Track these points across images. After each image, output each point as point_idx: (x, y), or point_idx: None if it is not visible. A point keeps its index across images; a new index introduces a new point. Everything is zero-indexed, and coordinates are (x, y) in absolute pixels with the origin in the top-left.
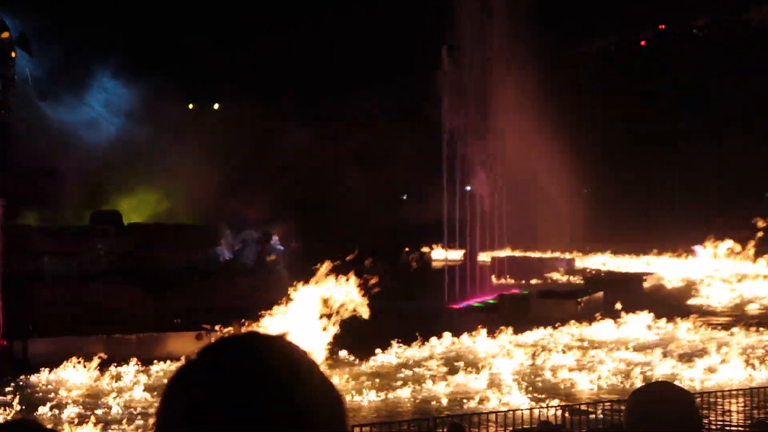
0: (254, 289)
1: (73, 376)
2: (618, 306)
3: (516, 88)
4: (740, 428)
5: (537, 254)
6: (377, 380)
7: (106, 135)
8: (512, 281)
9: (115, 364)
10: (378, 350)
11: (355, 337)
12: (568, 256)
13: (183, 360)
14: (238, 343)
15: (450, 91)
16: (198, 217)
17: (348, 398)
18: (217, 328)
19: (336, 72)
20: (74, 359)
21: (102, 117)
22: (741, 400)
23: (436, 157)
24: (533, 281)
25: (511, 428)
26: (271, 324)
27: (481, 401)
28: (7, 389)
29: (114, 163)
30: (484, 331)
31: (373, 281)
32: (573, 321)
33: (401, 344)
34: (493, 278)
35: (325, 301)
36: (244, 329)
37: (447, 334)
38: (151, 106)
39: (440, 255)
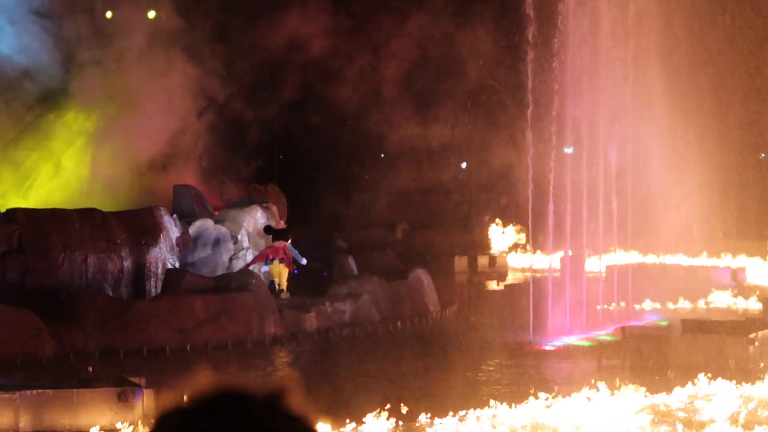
0: (212, 317)
1: None
2: None
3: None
4: None
5: (681, 260)
6: None
7: None
8: (642, 305)
9: None
10: (429, 418)
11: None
12: (731, 263)
13: None
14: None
15: None
16: (123, 197)
17: None
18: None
19: None
20: None
21: None
22: None
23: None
24: (675, 305)
25: None
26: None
27: None
28: None
29: None
30: (597, 390)
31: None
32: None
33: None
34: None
35: None
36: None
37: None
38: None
39: (520, 260)
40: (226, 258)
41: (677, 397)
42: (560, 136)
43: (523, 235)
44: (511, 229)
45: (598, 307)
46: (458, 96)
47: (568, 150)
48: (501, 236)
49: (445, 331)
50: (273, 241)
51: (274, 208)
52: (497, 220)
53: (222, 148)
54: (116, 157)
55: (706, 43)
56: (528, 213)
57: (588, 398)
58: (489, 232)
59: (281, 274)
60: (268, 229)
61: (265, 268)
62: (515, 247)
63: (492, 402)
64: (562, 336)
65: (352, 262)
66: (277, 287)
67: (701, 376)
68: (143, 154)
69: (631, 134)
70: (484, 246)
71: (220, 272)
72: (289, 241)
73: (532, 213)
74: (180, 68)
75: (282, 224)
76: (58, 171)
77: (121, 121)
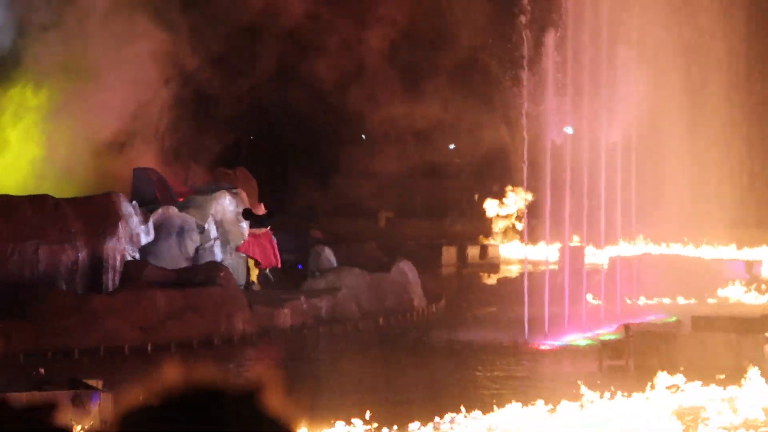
0: (175, 313)
1: None
2: None
3: None
4: None
5: (690, 251)
6: None
7: None
8: (649, 300)
9: None
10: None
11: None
12: (746, 255)
13: None
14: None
15: None
16: (79, 182)
17: None
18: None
19: None
20: None
21: None
22: None
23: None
24: (685, 300)
25: None
26: None
27: None
28: None
29: None
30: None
31: None
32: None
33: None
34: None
35: None
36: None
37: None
38: None
39: (514, 251)
40: (191, 249)
41: (687, 400)
42: (558, 115)
43: (530, 196)
44: (513, 197)
45: (599, 302)
46: (448, 70)
47: (568, 130)
48: (500, 208)
49: (431, 328)
50: (253, 226)
51: (244, 194)
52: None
53: (187, 127)
54: (71, 135)
55: (725, 14)
56: (523, 200)
57: (582, 405)
58: (485, 209)
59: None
60: (248, 214)
61: None
62: (518, 218)
63: (478, 407)
64: (560, 334)
65: (329, 253)
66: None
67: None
68: (101, 133)
69: (638, 111)
70: (475, 235)
71: (184, 264)
72: (269, 228)
73: (527, 200)
74: (145, 36)
75: (262, 209)
76: (4, 151)
77: (78, 94)
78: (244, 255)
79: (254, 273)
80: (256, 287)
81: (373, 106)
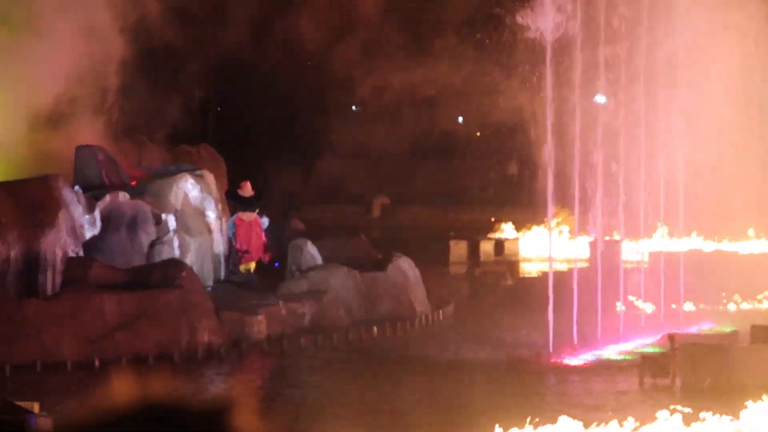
0: (127, 322)
1: None
2: None
3: None
4: None
5: (749, 247)
6: None
7: None
8: (698, 306)
9: None
10: None
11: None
12: None
13: None
14: None
15: None
16: (11, 162)
17: None
18: None
19: None
20: None
21: None
22: None
23: None
24: (740, 305)
25: None
26: None
27: None
28: None
29: None
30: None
31: None
32: None
33: None
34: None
35: None
36: None
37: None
38: None
39: (534, 246)
40: (145, 243)
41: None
42: (589, 81)
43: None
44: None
45: (638, 306)
46: (454, 28)
47: (600, 99)
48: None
49: (436, 339)
50: (240, 210)
51: (210, 177)
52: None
53: (142, 97)
54: (2, 106)
55: None
56: (546, 184)
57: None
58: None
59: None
60: (232, 195)
61: None
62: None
63: None
64: (592, 347)
65: (312, 248)
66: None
67: None
68: (38, 104)
69: (687, 78)
70: (488, 227)
71: (137, 262)
72: (261, 217)
73: (551, 184)
74: None
75: (249, 189)
76: None
77: (9, 56)
78: (216, 247)
79: (252, 264)
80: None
81: (365, 70)
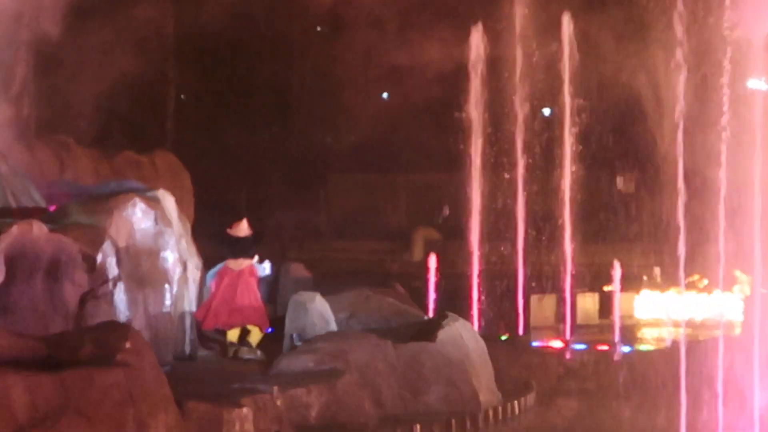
0: (46, 417)
1: None
2: None
3: None
4: None
5: None
6: None
7: None
8: None
9: None
10: None
11: None
12: None
13: None
14: None
15: None
16: None
17: None
18: None
19: None
20: None
21: None
22: None
23: None
24: None
25: None
26: None
27: None
28: None
29: None
30: None
31: None
32: None
33: None
34: None
35: None
36: None
37: None
38: None
39: (657, 304)
40: (72, 298)
41: None
42: None
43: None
44: None
45: None
46: None
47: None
48: None
49: None
50: (234, 255)
51: (169, 200)
52: None
53: (66, 83)
54: None
55: None
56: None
57: None
58: None
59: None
60: (225, 238)
61: None
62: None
63: None
64: None
65: (322, 306)
66: (233, 346)
67: None
68: None
69: None
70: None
71: (60, 327)
72: (256, 259)
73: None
74: None
75: (245, 228)
76: None
77: None
78: (178, 305)
79: (255, 332)
80: (253, 355)
81: (401, 41)
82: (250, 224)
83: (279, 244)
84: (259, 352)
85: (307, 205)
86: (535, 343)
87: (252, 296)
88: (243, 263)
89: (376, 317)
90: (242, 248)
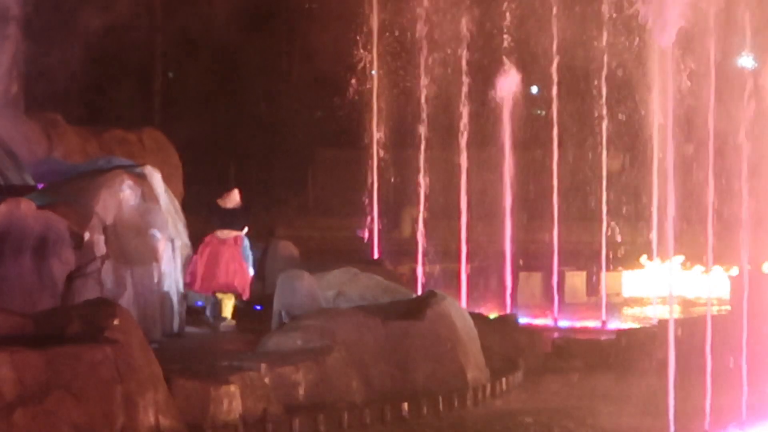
0: (33, 395)
1: None
2: None
3: None
4: None
5: None
6: None
7: None
8: None
9: None
10: None
11: None
12: None
13: None
14: None
15: None
16: None
17: None
18: None
19: None
20: None
21: None
22: None
23: None
24: None
25: None
26: None
27: None
28: None
29: None
30: None
31: None
32: None
33: None
34: None
35: None
36: None
37: None
38: None
39: (645, 281)
40: (59, 276)
41: None
42: None
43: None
44: None
45: None
46: None
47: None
48: None
49: (498, 423)
50: (223, 226)
51: (157, 177)
52: None
53: (54, 55)
54: None
55: None
56: (651, 193)
57: None
58: None
59: (225, 301)
60: (214, 209)
61: None
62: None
63: None
64: (735, 427)
65: (311, 282)
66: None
67: None
68: None
69: None
70: (574, 250)
71: (48, 304)
72: (245, 230)
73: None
74: None
75: (236, 198)
76: None
77: None
78: (166, 283)
79: (229, 305)
80: (226, 325)
81: None
82: (241, 196)
83: (265, 220)
84: (232, 321)
85: (295, 177)
86: (522, 321)
87: (237, 263)
88: (231, 233)
89: (364, 295)
90: (232, 219)
